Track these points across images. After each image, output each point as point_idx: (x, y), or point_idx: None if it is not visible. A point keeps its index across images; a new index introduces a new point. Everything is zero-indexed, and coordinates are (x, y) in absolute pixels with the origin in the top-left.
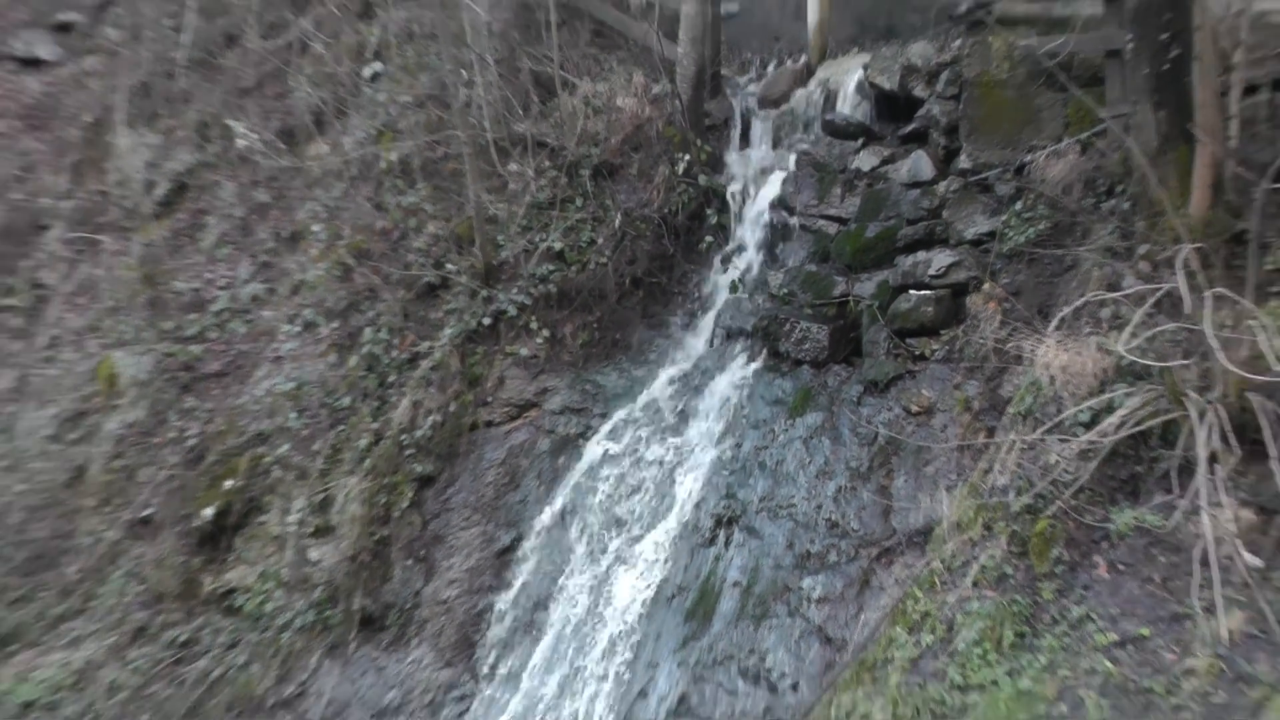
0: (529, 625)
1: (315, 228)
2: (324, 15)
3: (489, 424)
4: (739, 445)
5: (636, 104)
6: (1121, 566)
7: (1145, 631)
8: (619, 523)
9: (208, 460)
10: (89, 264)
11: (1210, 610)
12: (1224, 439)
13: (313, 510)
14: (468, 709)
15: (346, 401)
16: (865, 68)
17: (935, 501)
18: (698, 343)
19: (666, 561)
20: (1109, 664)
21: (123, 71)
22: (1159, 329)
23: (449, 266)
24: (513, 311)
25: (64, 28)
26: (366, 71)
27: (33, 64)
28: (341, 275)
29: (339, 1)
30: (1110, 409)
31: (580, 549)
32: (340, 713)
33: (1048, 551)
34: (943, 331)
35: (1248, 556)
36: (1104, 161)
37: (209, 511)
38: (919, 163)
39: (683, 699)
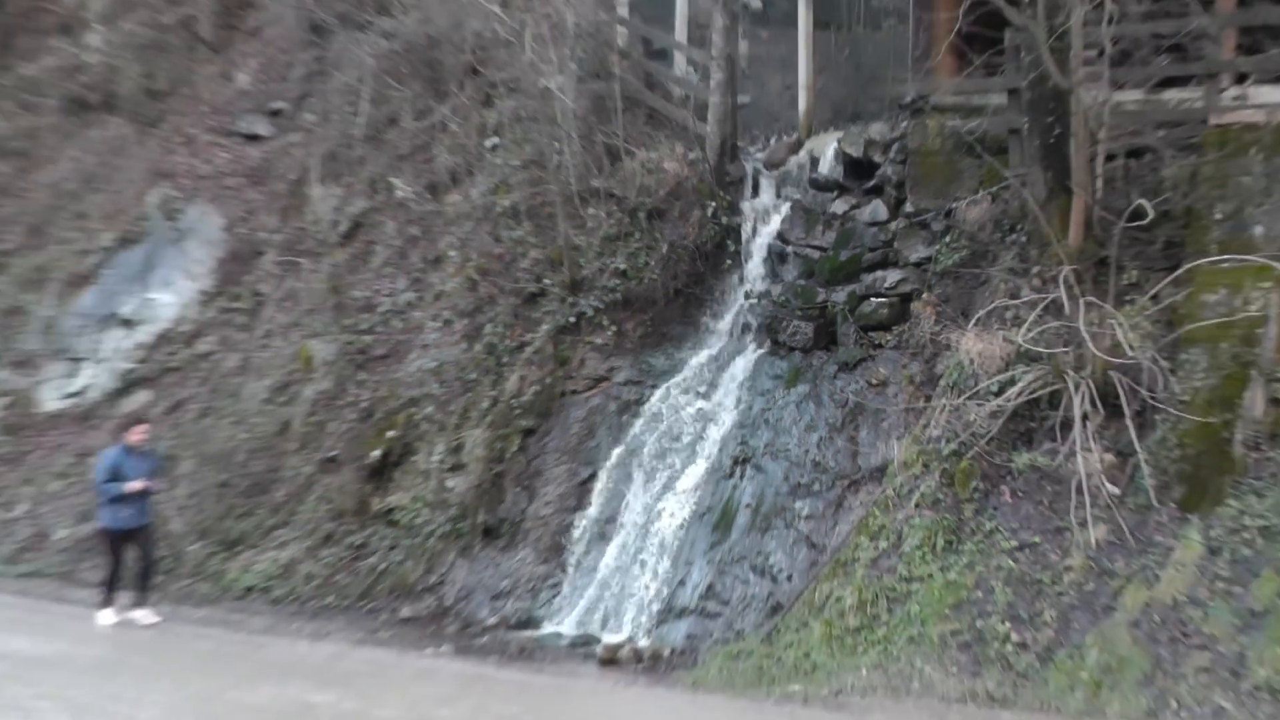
0: (601, 534)
1: (451, 253)
2: (458, 104)
3: (573, 392)
4: (750, 407)
5: (678, 166)
6: (1020, 494)
7: (1037, 540)
8: (666, 462)
9: (375, 417)
10: (292, 279)
11: (1083, 525)
12: (1092, 403)
13: (449, 452)
14: (558, 592)
15: (473, 376)
16: (839, 141)
17: (889, 447)
18: (721, 335)
19: (698, 489)
20: (1011, 562)
21: (316, 143)
22: (1047, 326)
23: (545, 280)
24: (590, 312)
25: (275, 113)
26: (488, 143)
27: (254, 138)
28: (469, 287)
29: (468, 94)
30: (1012, 382)
31: (638, 480)
32: (468, 595)
33: (968, 483)
34: (894, 327)
35: (1109, 487)
36: (1008, 207)
37: (376, 453)
38: (877, 208)
39: (710, 586)
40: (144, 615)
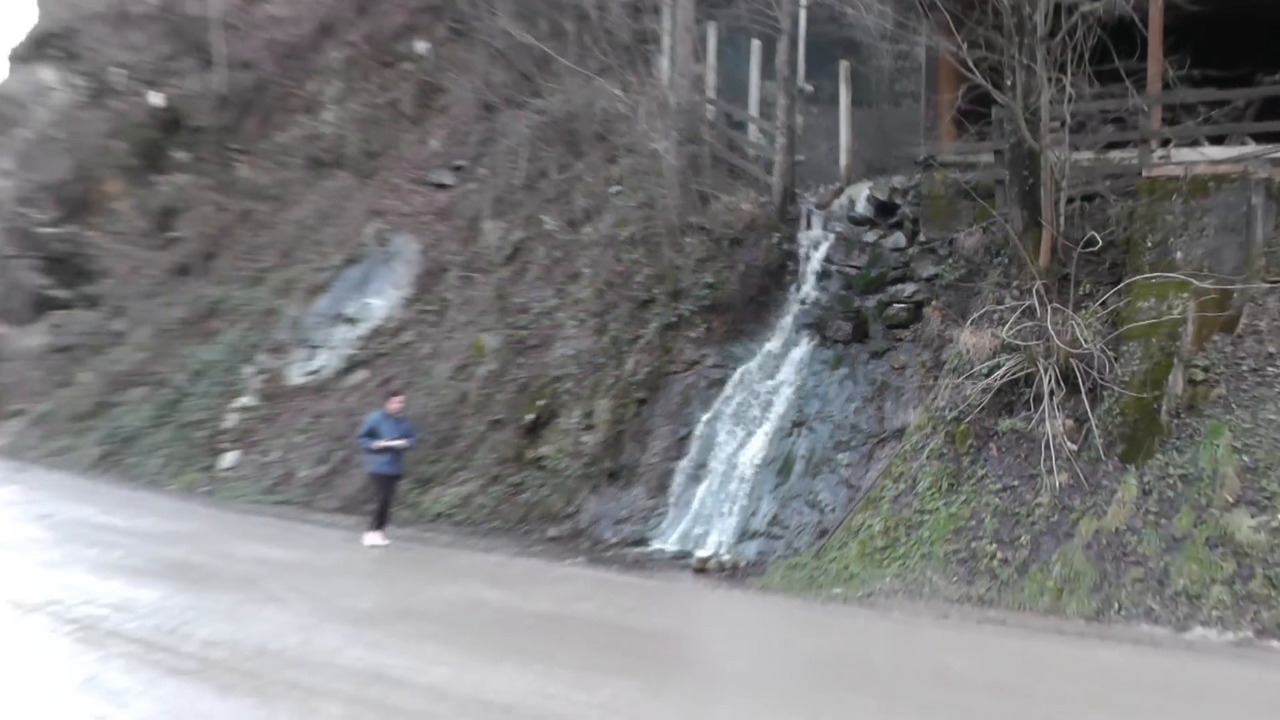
0: (695, 476)
1: (585, 270)
2: (590, 161)
3: (674, 372)
4: (804, 384)
5: (751, 207)
6: (1003, 450)
7: (1016, 483)
8: (743, 423)
9: (529, 390)
10: (469, 289)
11: (1050, 473)
12: (1057, 383)
13: (583, 416)
14: (663, 519)
15: (601, 360)
16: (870, 188)
17: (906, 414)
18: (783, 331)
19: (766, 445)
20: (997, 500)
21: (486, 190)
22: (1023, 325)
23: (654, 291)
24: (687, 314)
25: (457, 168)
26: (612, 190)
27: (442, 186)
28: (598, 295)
29: (598, 155)
30: (998, 366)
31: (723, 437)
32: (596, 521)
33: (965, 441)
34: (910, 326)
35: (1069, 445)
36: (994, 238)
37: (530, 416)
38: (898, 238)
39: (774, 516)
40: (380, 536)
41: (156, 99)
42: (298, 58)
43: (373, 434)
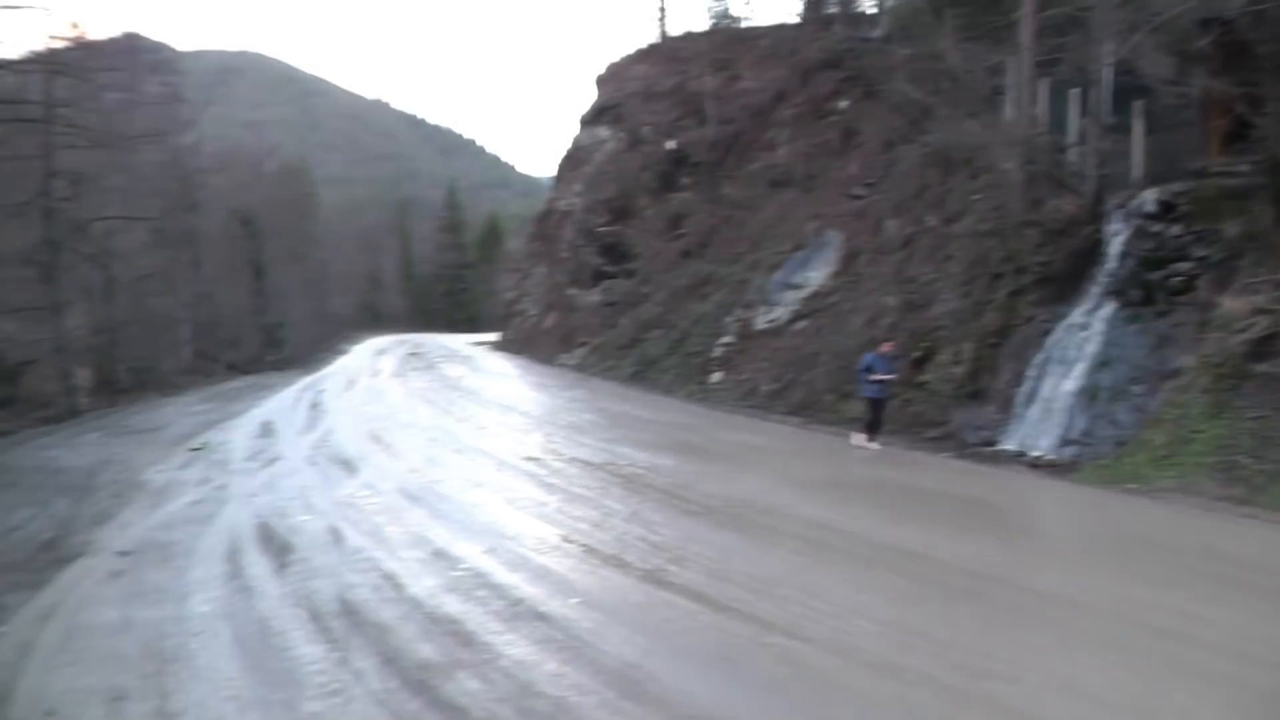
0: (1029, 400)
1: (955, 254)
2: (959, 176)
3: (1016, 325)
4: (1107, 335)
5: (1072, 208)
6: (1258, 387)
7: (1267, 413)
8: (1064, 362)
9: (916, 336)
10: (875, 266)
11: None
12: None
13: (953, 355)
14: (1007, 429)
15: (966, 316)
16: (1157, 192)
17: (1182, 359)
18: (1094, 297)
19: (1080, 377)
20: (1253, 425)
21: (888, 199)
22: (1273, 294)
23: (1003, 268)
24: (1027, 284)
25: (868, 184)
26: (974, 196)
27: (857, 198)
28: (964, 271)
29: (963, 173)
30: (1253, 324)
31: (1049, 371)
32: (961, 427)
33: (1227, 380)
34: (1186, 294)
35: None
36: (1250, 228)
37: (916, 354)
38: (1177, 229)
39: (1085, 429)
40: (873, 444)
41: (670, 144)
42: (761, 114)
43: (869, 369)
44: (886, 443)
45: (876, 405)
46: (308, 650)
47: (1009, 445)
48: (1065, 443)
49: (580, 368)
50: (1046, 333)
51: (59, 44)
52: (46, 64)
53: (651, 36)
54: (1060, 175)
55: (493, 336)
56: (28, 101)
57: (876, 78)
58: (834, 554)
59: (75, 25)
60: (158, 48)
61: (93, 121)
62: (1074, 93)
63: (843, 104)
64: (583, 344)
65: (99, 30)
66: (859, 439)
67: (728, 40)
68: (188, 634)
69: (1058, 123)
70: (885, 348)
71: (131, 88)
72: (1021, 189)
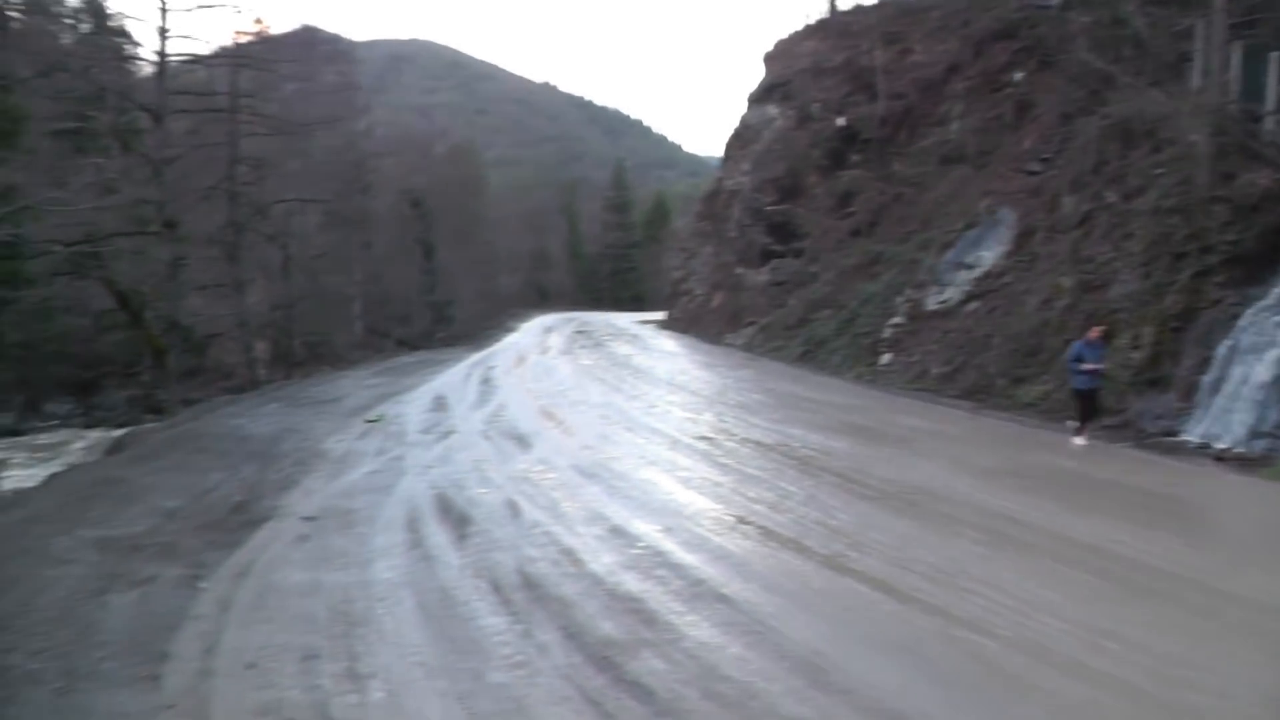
0: (1215, 388)
1: (1136, 232)
2: (1141, 150)
3: (1200, 308)
4: None
5: (1267, 182)
6: None
7: None
8: (1255, 349)
9: (1093, 318)
10: (1049, 245)
11: None
12: None
13: (1132, 339)
14: (1190, 417)
15: (1146, 298)
16: None
17: None
18: None
19: (1273, 366)
20: None
21: (1064, 174)
22: None
23: (1187, 248)
24: (1213, 265)
25: (1045, 159)
26: (1156, 171)
27: (1033, 173)
28: (1145, 250)
29: (1145, 145)
30: None
31: (1240, 354)
32: (1140, 416)
33: None
34: None
35: None
36: None
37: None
38: None
39: (1278, 421)
40: (1079, 438)
41: (840, 121)
42: (933, 89)
43: (1079, 359)
44: (1063, 430)
45: (1088, 397)
46: (491, 621)
47: (1192, 436)
48: (1256, 435)
49: (747, 347)
50: (1235, 317)
51: (244, 39)
52: (233, 58)
53: (821, 11)
54: (1255, 147)
55: (658, 315)
56: (216, 93)
57: (1053, 47)
58: (1015, 545)
59: (259, 21)
60: (333, 39)
61: (273, 110)
62: (1273, 56)
63: (1017, 76)
64: (750, 323)
65: (280, 25)
66: (1078, 441)
67: (898, 13)
68: (373, 599)
69: (1252, 90)
70: (1094, 334)
71: (309, 78)
72: (1210, 162)
